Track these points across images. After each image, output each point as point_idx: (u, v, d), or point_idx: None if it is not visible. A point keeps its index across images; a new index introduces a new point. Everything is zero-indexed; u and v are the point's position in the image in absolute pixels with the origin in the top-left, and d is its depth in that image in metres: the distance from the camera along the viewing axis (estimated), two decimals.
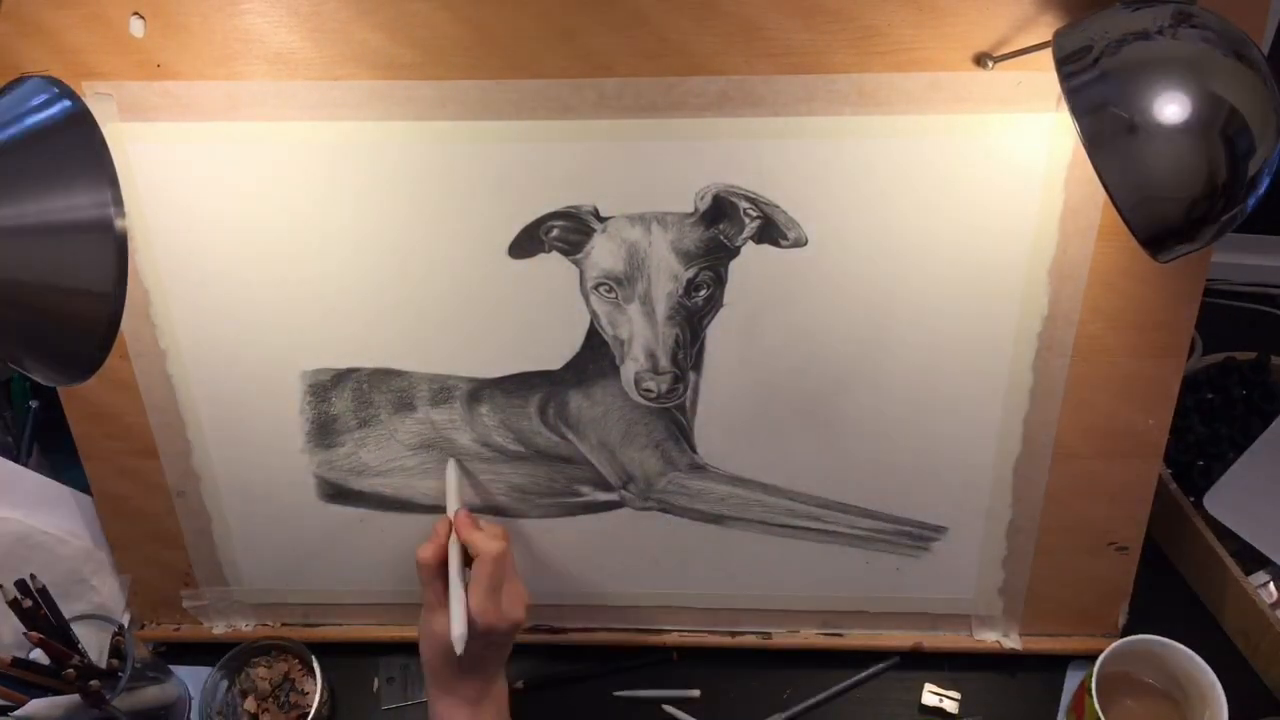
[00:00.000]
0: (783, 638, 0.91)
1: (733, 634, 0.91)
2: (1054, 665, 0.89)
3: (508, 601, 0.75)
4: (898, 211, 0.73)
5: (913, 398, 0.79)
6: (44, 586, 0.78)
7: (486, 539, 0.76)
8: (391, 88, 0.71)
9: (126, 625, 0.88)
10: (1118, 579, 0.86)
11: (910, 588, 0.87)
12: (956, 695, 0.88)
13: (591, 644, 0.92)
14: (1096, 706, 0.77)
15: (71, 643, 0.80)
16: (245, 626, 0.93)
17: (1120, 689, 0.82)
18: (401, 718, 0.91)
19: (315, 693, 0.86)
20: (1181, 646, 0.80)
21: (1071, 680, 0.89)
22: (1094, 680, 0.79)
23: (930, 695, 0.88)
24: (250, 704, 0.89)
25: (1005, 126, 0.70)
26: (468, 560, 0.76)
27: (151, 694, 0.85)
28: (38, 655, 0.80)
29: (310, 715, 0.85)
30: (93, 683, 0.78)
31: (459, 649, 0.70)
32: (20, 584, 0.78)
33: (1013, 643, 0.89)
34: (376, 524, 0.87)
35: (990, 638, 0.89)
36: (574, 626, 0.92)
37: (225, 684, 0.89)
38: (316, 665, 0.88)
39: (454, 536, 0.77)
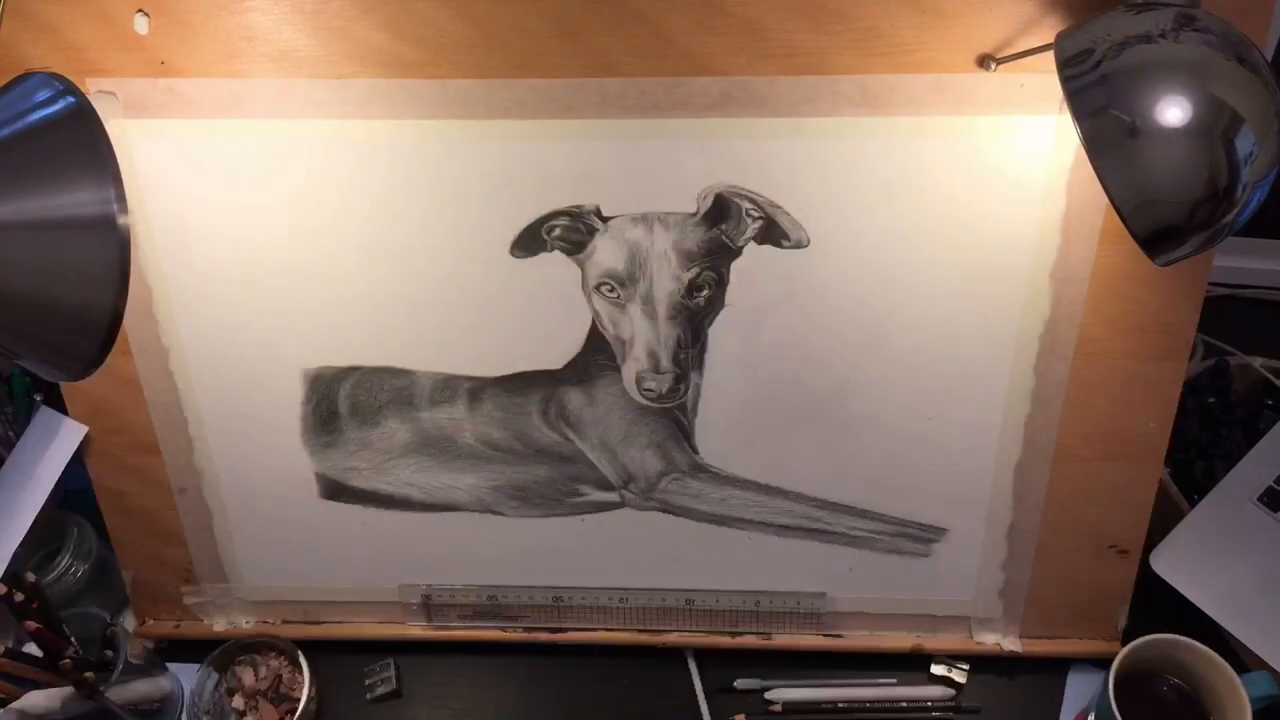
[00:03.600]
0: (783, 638, 0.91)
1: (733, 634, 0.91)
2: (1054, 668, 0.89)
3: None
4: (900, 213, 0.73)
5: (913, 399, 0.79)
6: (36, 580, 0.78)
7: None
8: (394, 86, 0.71)
9: (122, 620, 0.89)
10: (1118, 582, 0.86)
11: (910, 589, 0.87)
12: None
13: (592, 644, 0.92)
14: (1114, 710, 0.76)
15: (64, 636, 0.80)
16: (245, 623, 0.93)
17: (1137, 691, 0.81)
18: (391, 715, 0.91)
19: (303, 690, 0.86)
20: (1202, 646, 0.79)
21: (1074, 684, 0.88)
22: (1111, 682, 0.78)
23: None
24: (238, 701, 0.89)
25: (1008, 129, 0.70)
26: None
27: (144, 687, 0.85)
28: (28, 649, 0.80)
29: (298, 713, 0.85)
30: (88, 674, 0.78)
31: None
32: (13, 577, 0.78)
33: (1012, 645, 0.89)
34: (377, 522, 0.87)
35: (990, 640, 0.89)
36: (573, 626, 0.92)
37: (213, 681, 0.90)
38: (304, 663, 0.88)
39: None
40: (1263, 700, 0.79)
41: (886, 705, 0.89)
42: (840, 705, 0.89)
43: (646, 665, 0.92)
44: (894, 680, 0.90)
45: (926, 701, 0.89)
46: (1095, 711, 0.79)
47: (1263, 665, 0.81)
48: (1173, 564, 0.86)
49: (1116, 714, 0.76)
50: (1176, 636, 0.80)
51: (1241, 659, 0.84)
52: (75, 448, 0.84)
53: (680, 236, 0.75)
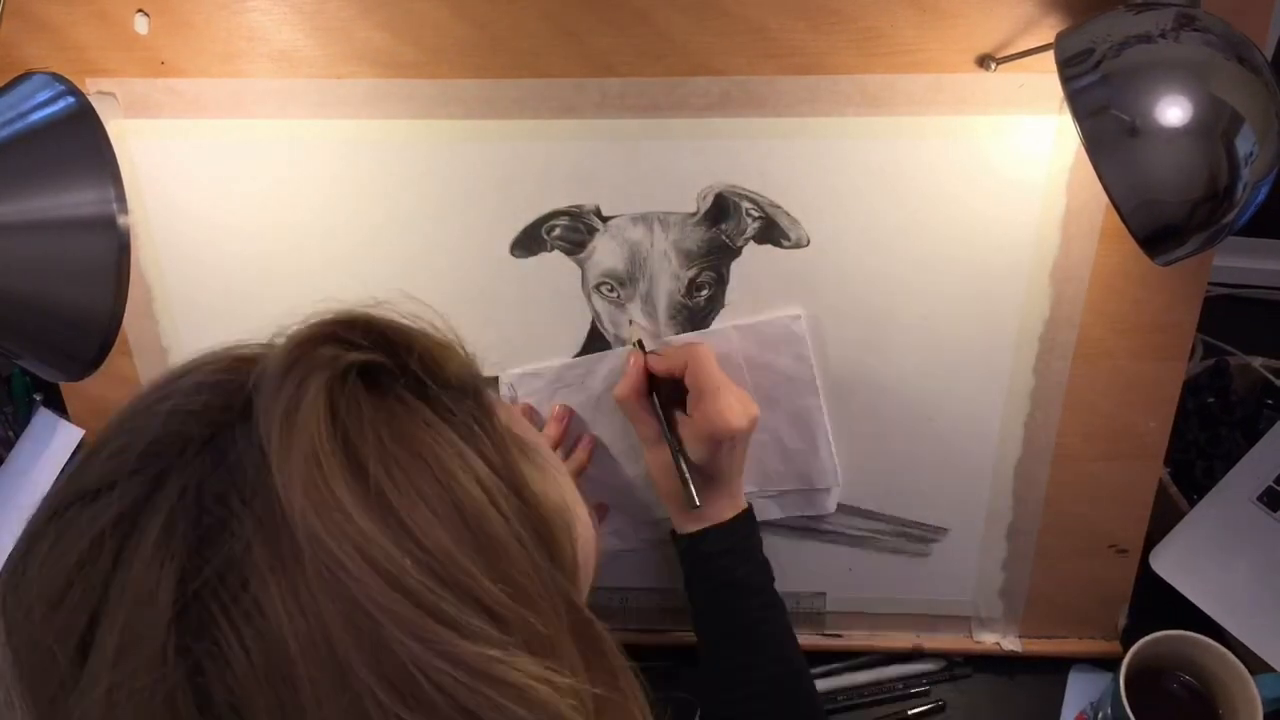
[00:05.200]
0: None
1: None
2: (1054, 667, 0.89)
3: (739, 397, 0.74)
4: (899, 213, 0.73)
5: (913, 399, 0.79)
6: None
7: (680, 351, 0.75)
8: (394, 86, 0.71)
9: None
10: (1118, 581, 0.86)
11: (910, 589, 0.87)
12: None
13: None
14: (1126, 707, 0.76)
15: None
16: None
17: (1147, 687, 0.80)
18: None
19: None
20: (1213, 643, 0.79)
21: (1074, 683, 0.88)
22: (1122, 677, 0.78)
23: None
24: None
25: (1008, 128, 0.70)
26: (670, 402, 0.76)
27: None
28: None
29: None
30: None
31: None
32: None
33: (1012, 644, 0.89)
34: None
35: (990, 639, 0.89)
36: None
37: None
38: None
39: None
40: (1275, 703, 0.78)
41: (882, 686, 0.89)
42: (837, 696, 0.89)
43: (649, 665, 0.91)
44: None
45: (921, 677, 0.89)
46: (1107, 706, 0.79)
47: (1263, 665, 0.81)
48: (1172, 563, 0.86)
49: (1127, 708, 0.75)
50: (1187, 633, 0.80)
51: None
52: (72, 450, 0.84)
53: (680, 236, 0.75)
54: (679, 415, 0.75)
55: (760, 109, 0.70)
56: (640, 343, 0.77)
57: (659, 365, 0.76)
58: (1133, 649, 0.78)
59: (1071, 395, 0.78)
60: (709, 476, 0.74)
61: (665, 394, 0.76)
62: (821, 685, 0.88)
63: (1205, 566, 0.85)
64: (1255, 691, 0.76)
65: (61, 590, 0.34)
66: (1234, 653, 0.79)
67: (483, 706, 0.34)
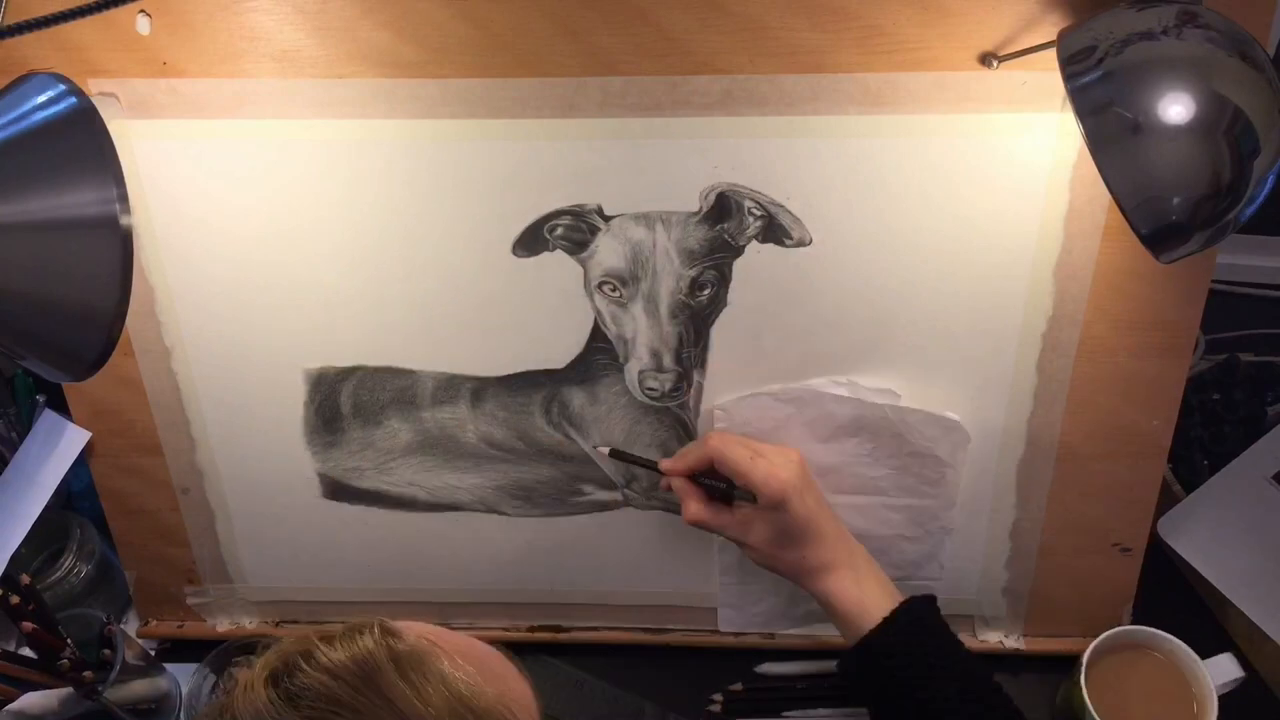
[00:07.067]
0: (787, 637, 0.91)
1: (737, 633, 0.91)
2: (1057, 666, 0.89)
3: (770, 455, 0.75)
4: (902, 211, 0.73)
5: (916, 397, 0.79)
6: (31, 582, 0.78)
7: (697, 448, 0.77)
8: (396, 86, 0.71)
9: (125, 621, 0.89)
10: (1121, 579, 0.86)
11: (914, 588, 0.87)
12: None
13: (595, 643, 0.92)
14: (1085, 696, 0.77)
15: (60, 636, 0.80)
16: (249, 623, 0.93)
17: (1111, 680, 0.82)
18: None
19: None
20: (1170, 636, 0.81)
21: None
22: (1084, 670, 0.79)
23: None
24: None
25: (1010, 126, 0.70)
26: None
27: (141, 687, 0.85)
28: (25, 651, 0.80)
29: None
30: (86, 673, 0.78)
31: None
32: (6, 579, 0.78)
33: (1016, 643, 0.89)
34: (379, 522, 0.87)
35: (993, 638, 0.89)
36: (577, 625, 0.92)
37: (210, 682, 0.89)
38: None
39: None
40: (1228, 685, 0.81)
41: None
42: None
43: (650, 663, 0.92)
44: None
45: None
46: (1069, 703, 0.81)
47: (1262, 637, 0.82)
48: (1180, 532, 0.87)
49: (1087, 699, 0.77)
50: (1147, 628, 0.82)
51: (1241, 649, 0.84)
52: (78, 453, 0.84)
53: (682, 235, 0.75)
54: (739, 509, 0.77)
55: (762, 107, 0.70)
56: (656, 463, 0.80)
57: (686, 466, 0.78)
58: (1093, 643, 0.81)
59: (1074, 393, 0.78)
60: (816, 562, 0.75)
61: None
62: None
63: (1213, 537, 0.87)
64: (1209, 679, 0.79)
65: None
66: (1231, 627, 0.79)
67: None
